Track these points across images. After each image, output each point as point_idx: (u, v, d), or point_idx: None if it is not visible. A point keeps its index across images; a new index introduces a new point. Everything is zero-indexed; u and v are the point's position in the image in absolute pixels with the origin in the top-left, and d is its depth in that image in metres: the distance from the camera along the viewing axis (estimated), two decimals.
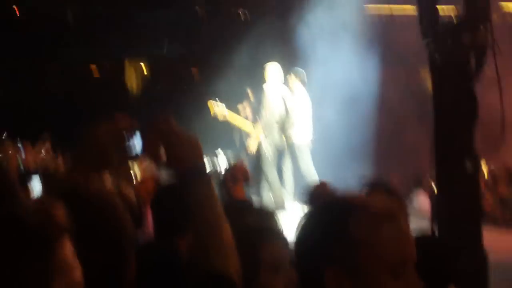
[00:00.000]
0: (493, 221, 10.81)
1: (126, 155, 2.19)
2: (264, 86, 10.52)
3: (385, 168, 14.82)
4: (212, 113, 11.51)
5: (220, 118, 11.42)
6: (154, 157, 2.11)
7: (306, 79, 10.98)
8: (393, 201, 2.08)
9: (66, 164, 2.03)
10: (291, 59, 14.73)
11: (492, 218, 10.94)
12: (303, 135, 10.91)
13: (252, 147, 10.89)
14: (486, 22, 4.66)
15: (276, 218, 3.32)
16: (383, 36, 17.50)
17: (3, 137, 13.51)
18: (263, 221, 3.24)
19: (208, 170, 2.14)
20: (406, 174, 15.06)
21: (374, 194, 4.01)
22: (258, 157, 10.66)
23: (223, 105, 11.36)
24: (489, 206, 11.48)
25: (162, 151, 2.10)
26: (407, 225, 1.89)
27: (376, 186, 4.58)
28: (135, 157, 2.23)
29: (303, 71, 10.87)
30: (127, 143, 2.16)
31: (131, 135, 2.16)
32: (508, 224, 10.96)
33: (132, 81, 30.45)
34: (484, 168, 13.44)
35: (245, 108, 11.62)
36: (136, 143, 2.16)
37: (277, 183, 10.25)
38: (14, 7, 28.27)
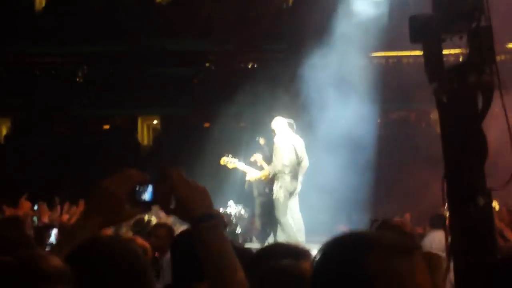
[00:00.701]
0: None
1: (138, 207, 2.22)
2: (275, 137, 10.69)
3: (391, 210, 14.92)
4: (222, 162, 11.62)
5: (230, 166, 11.53)
6: (165, 207, 2.19)
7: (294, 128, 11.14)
8: (405, 237, 2.06)
9: (81, 216, 2.08)
10: (297, 108, 14.99)
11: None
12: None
13: (260, 192, 11.06)
14: (492, 64, 4.79)
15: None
16: (391, 80, 17.72)
17: (24, 198, 13.65)
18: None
19: (218, 217, 2.19)
20: (416, 214, 15.14)
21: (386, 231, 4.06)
22: (270, 204, 10.72)
23: (236, 160, 11.46)
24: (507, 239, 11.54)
25: (173, 201, 2.15)
26: (421, 260, 1.86)
27: (386, 225, 4.71)
28: (147, 209, 2.26)
29: (292, 121, 11.04)
30: (139, 195, 2.19)
31: (143, 187, 2.19)
32: None
33: (144, 136, 30.73)
34: (497, 205, 13.51)
35: (257, 157, 11.75)
36: (148, 195, 2.19)
37: (291, 228, 10.32)
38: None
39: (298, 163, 10.56)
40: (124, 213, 2.24)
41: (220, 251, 2.12)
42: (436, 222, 11.56)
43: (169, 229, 6.53)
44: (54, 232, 6.56)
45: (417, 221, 15.32)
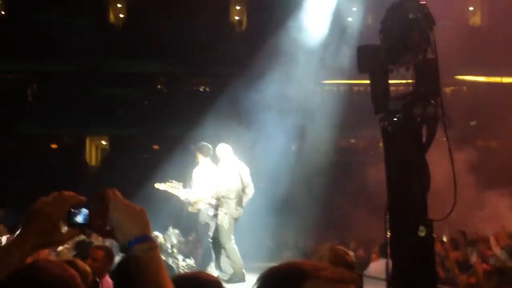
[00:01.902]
0: (453, 284, 10.99)
1: (73, 230, 2.18)
2: (219, 163, 10.66)
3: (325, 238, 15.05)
4: (155, 186, 11.45)
5: (161, 188, 11.36)
6: (99, 228, 2.15)
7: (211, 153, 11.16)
8: (344, 267, 2.07)
9: (15, 237, 2.01)
10: (243, 132, 15.04)
11: (451, 281, 11.13)
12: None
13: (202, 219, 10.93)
14: (436, 97, 4.85)
15: None
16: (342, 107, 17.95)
17: None
18: None
19: (152, 239, 2.12)
20: (360, 242, 15.29)
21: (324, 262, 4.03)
22: (214, 229, 10.64)
23: (179, 184, 11.30)
24: (449, 270, 11.68)
25: (108, 223, 2.11)
26: None
27: (328, 253, 4.70)
28: (82, 232, 2.22)
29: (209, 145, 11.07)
30: (74, 217, 2.15)
31: (78, 209, 2.14)
32: (467, 287, 11.09)
33: (92, 156, 30.42)
34: (444, 234, 13.74)
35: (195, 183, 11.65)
36: (83, 217, 2.15)
37: (236, 253, 10.24)
38: None
39: (243, 189, 10.53)
40: (59, 235, 2.18)
41: (155, 273, 2.06)
42: (384, 250, 11.67)
43: (107, 251, 6.40)
44: None
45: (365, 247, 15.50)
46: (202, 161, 10.84)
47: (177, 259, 11.30)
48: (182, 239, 12.84)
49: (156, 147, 28.09)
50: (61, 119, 27.02)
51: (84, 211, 2.17)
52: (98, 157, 30.71)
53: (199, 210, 10.83)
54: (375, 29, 5.11)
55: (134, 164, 24.35)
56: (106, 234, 2.17)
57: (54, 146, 29.89)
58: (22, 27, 26.86)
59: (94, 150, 30.71)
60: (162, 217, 12.32)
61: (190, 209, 10.94)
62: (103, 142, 30.59)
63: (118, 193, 2.13)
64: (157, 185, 11.17)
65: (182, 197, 10.93)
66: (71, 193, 2.21)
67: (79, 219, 2.18)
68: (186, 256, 12.57)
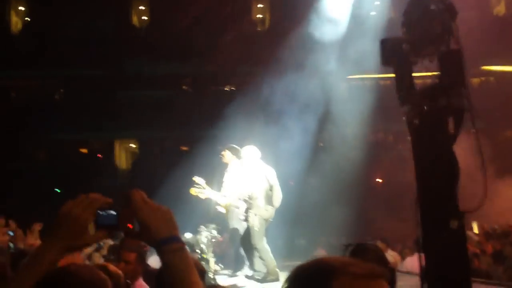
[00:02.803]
0: (487, 277, 10.87)
1: (101, 232, 2.18)
2: (245, 165, 10.69)
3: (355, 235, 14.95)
4: (192, 193, 11.53)
5: (202, 197, 11.46)
6: (128, 230, 2.16)
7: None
8: (375, 263, 2.03)
9: (43, 242, 2.00)
10: (272, 132, 15.00)
11: (486, 274, 11.01)
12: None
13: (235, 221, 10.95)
14: (462, 87, 4.80)
15: None
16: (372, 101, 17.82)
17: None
18: None
19: (181, 240, 2.14)
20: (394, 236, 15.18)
21: (358, 257, 4.00)
22: (245, 230, 10.67)
23: (205, 189, 11.37)
24: (482, 263, 11.57)
25: (136, 225, 2.12)
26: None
27: (360, 250, 4.67)
28: (111, 232, 2.21)
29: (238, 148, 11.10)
30: (102, 219, 2.16)
31: (106, 211, 2.16)
32: (501, 279, 10.96)
33: (121, 160, 30.57)
34: (475, 226, 13.62)
35: (198, 180, 11.73)
36: (111, 219, 2.16)
37: (268, 253, 10.24)
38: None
39: (270, 190, 10.55)
40: (87, 237, 2.18)
41: (184, 274, 2.07)
42: (416, 245, 11.58)
43: (139, 253, 6.41)
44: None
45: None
46: (231, 162, 10.88)
47: (208, 260, 11.35)
48: (216, 237, 12.87)
49: (184, 148, 28.15)
50: (90, 124, 27.24)
51: (112, 212, 2.18)
52: (128, 160, 30.85)
53: (229, 212, 10.90)
54: (398, 22, 5.08)
55: (164, 166, 24.42)
56: (134, 236, 2.18)
57: (83, 150, 30.10)
58: (47, 33, 27.12)
59: (124, 153, 30.87)
60: (194, 218, 12.36)
61: (218, 208, 11.02)
62: (132, 145, 30.74)
63: (144, 194, 2.14)
64: (193, 191, 11.31)
65: (214, 198, 11.03)
66: (99, 195, 2.22)
67: (107, 220, 2.18)
68: (219, 257, 12.62)
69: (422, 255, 4.95)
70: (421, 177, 4.93)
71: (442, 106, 4.74)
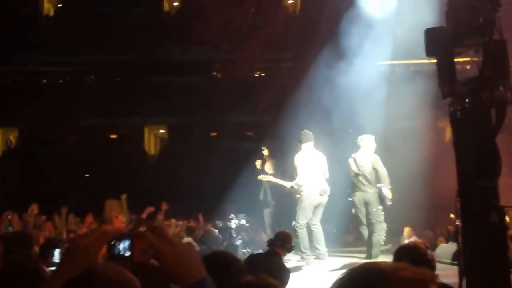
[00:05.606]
0: None
1: (114, 261, 2.14)
2: (299, 152, 10.91)
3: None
4: (259, 178, 11.91)
5: (264, 180, 11.92)
6: (143, 262, 2.12)
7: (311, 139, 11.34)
8: (424, 268, 2.00)
9: (52, 278, 1.98)
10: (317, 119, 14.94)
11: None
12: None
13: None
14: (505, 80, 4.73)
15: None
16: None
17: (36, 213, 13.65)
18: None
19: (211, 283, 2.08)
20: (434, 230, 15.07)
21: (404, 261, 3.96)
22: (283, 214, 10.94)
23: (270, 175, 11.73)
24: None
25: (151, 257, 2.08)
26: None
27: (402, 251, 4.65)
28: (125, 264, 2.15)
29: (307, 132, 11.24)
30: (115, 249, 2.13)
31: (120, 241, 2.12)
32: None
33: (151, 146, 30.70)
34: None
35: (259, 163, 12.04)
36: (125, 249, 2.12)
37: (304, 237, 10.52)
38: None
39: (323, 175, 10.76)
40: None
41: None
42: (455, 236, 11.56)
43: None
44: (58, 251, 6.41)
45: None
46: (304, 147, 10.97)
47: (236, 246, 11.51)
48: (244, 225, 12.96)
49: (214, 134, 28.21)
50: (119, 109, 27.39)
51: (126, 242, 2.16)
52: (157, 146, 30.99)
53: (273, 196, 11.19)
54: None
55: (193, 152, 24.49)
56: (151, 270, 2.17)
57: (113, 136, 30.28)
58: (79, 19, 27.26)
59: (153, 139, 31.01)
60: (225, 203, 12.49)
61: (259, 177, 11.41)
62: (161, 131, 30.86)
63: (164, 232, 2.12)
64: (261, 177, 11.71)
65: (286, 184, 11.27)
66: (112, 227, 2.21)
67: (121, 251, 2.17)
68: (246, 242, 12.75)
69: (461, 246, 4.92)
70: (463, 169, 4.88)
71: (485, 99, 4.68)
